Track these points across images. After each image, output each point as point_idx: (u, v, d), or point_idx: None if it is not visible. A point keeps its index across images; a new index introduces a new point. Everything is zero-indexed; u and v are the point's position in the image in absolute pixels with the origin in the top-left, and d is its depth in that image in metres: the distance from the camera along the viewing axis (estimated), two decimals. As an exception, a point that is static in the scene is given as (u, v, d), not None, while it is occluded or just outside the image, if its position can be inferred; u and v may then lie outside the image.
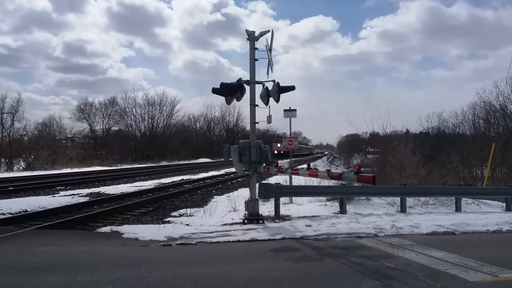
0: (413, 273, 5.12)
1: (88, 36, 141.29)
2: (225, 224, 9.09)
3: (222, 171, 30.43)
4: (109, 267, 5.31)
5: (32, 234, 7.82)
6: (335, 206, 12.15)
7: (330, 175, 6.98)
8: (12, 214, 10.29)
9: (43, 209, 10.87)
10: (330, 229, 8.07)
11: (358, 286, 4.64)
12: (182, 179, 22.61)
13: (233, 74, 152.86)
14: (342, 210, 11.12)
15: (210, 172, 29.55)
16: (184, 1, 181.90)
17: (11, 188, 16.18)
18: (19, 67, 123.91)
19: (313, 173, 7.82)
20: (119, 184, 19.94)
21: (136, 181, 21.62)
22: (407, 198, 12.17)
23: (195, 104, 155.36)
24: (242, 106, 71.01)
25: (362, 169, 10.02)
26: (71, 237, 7.84)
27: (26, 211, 10.75)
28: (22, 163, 36.80)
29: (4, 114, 40.25)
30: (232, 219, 9.92)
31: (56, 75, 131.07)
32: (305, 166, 8.84)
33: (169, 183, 20.05)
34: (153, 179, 23.50)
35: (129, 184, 19.67)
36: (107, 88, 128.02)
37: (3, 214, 10.29)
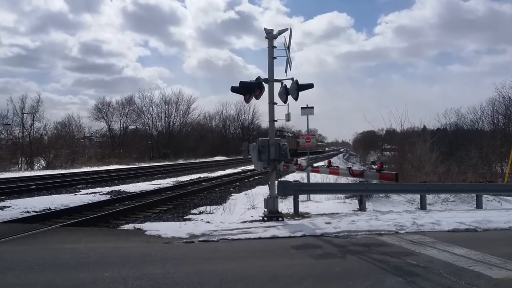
0: (436, 270, 5.12)
1: (104, 36, 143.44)
2: (245, 222, 9.16)
3: (238, 169, 30.55)
4: (135, 264, 5.43)
5: (58, 232, 8.02)
6: (354, 203, 12.12)
7: (351, 173, 7.00)
8: (36, 212, 10.56)
9: (66, 207, 11.13)
10: (350, 226, 8.08)
11: (381, 283, 4.67)
12: (200, 177, 22.80)
13: (248, 72, 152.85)
14: (361, 208, 11.09)
15: (226, 170, 29.72)
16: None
17: (34, 186, 16.56)
18: (37, 68, 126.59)
19: (334, 170, 7.85)
20: (138, 182, 20.22)
21: (155, 179, 21.88)
22: (426, 195, 12.08)
23: (210, 102, 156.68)
24: (257, 104, 71.34)
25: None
26: (95, 234, 8.03)
27: (50, 209, 11.01)
28: (43, 162, 37.55)
29: (25, 114, 41.13)
30: (252, 216, 9.99)
31: (73, 75, 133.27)
32: (322, 163, 8.88)
33: (187, 181, 20.25)
34: (171, 177, 23.75)
35: (147, 182, 19.93)
36: (123, 87, 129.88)
37: (28, 212, 10.57)
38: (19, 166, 35.94)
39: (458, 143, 33.17)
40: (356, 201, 11.91)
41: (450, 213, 10.13)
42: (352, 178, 11.98)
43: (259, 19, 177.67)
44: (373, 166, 11.73)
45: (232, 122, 79.77)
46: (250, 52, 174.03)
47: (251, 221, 9.23)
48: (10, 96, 55.72)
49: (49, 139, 42.22)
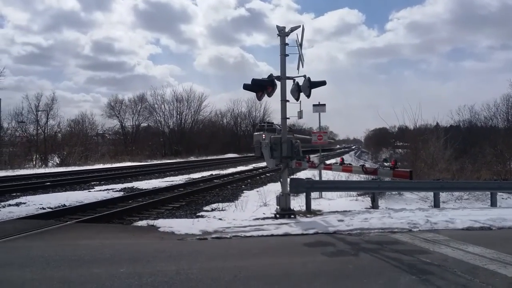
0: (450, 268, 5.09)
1: (115, 34, 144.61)
2: (257, 219, 9.19)
3: (250, 166, 30.62)
4: (149, 260, 5.49)
5: (73, 228, 8.14)
6: (366, 201, 12.07)
7: (365, 171, 6.97)
8: (52, 208, 10.71)
9: (80, 203, 11.27)
10: (363, 224, 8.06)
11: (395, 281, 4.65)
12: (212, 174, 22.90)
13: (258, 69, 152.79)
14: (374, 205, 11.04)
15: (238, 167, 29.80)
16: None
17: (49, 183, 16.80)
18: (50, 66, 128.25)
19: (347, 168, 7.82)
20: (151, 179, 20.37)
21: (167, 176, 22.03)
22: (440, 193, 11.97)
23: (221, 99, 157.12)
24: (268, 101, 71.21)
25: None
26: (110, 230, 8.13)
27: (64, 205, 11.18)
28: (57, 159, 38.06)
29: (39, 112, 41.70)
30: (264, 213, 10.03)
31: (85, 73, 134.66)
32: (334, 161, 8.86)
33: (199, 178, 20.37)
34: (183, 174, 23.90)
35: (160, 179, 20.07)
36: (135, 85, 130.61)
37: (43, 208, 10.73)
38: (34, 163, 36.49)
39: (472, 141, 32.75)
40: (369, 199, 11.87)
41: (464, 211, 10.03)
42: (364, 175, 11.95)
43: (270, 16, 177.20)
44: (386, 164, 11.67)
45: (243, 120, 79.98)
46: (260, 49, 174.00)
47: (263, 218, 9.27)
48: (26, 94, 56.53)
49: (63, 137, 42.78)
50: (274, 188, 15.03)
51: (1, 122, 38.58)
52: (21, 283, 4.51)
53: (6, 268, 5.14)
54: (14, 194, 13.76)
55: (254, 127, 76.68)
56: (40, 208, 10.67)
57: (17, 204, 11.28)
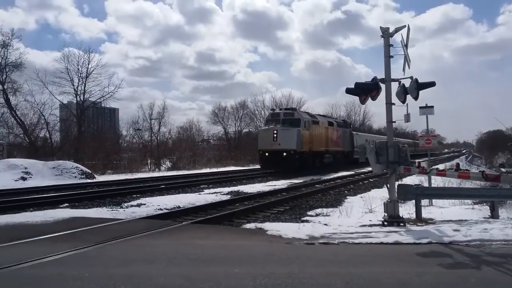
0: None
1: (216, 45, 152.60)
2: (364, 226, 9.00)
3: (351, 171, 29.96)
4: (260, 262, 5.71)
5: (188, 228, 8.75)
6: (484, 210, 11.10)
7: (485, 177, 6.46)
8: (168, 209, 11.62)
9: (192, 205, 12.07)
10: (483, 234, 7.45)
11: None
12: (313, 179, 22.86)
13: (356, 72, 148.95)
14: (494, 215, 10.12)
15: (339, 172, 29.30)
16: (304, 2, 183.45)
17: (163, 186, 18.23)
18: (159, 77, 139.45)
19: (463, 174, 7.31)
20: (254, 183, 20.99)
21: (269, 181, 22.49)
22: None
23: (318, 104, 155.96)
24: (368, 104, 68.77)
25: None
26: (221, 231, 8.58)
27: (179, 207, 12.05)
28: (168, 163, 41.15)
29: (152, 120, 45.56)
30: (370, 220, 9.78)
31: (190, 83, 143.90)
32: (442, 166, 8.32)
33: (300, 183, 20.47)
34: (284, 179, 24.20)
35: (263, 184, 20.59)
36: (235, 93, 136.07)
37: (161, 209, 11.67)
38: (149, 167, 39.85)
39: None
40: (486, 208, 10.90)
41: None
42: (480, 182, 11.01)
43: (367, 17, 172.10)
44: (502, 170, 10.65)
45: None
46: (358, 51, 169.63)
47: (370, 225, 9.05)
48: (140, 104, 62.18)
49: (173, 143, 46.13)
50: (378, 194, 14.57)
51: (121, 130, 42.96)
52: (148, 277, 4.98)
53: (134, 264, 5.71)
54: (135, 195, 15.18)
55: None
56: (158, 209, 11.63)
57: (138, 205, 12.44)
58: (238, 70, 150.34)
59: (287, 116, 27.56)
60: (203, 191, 16.96)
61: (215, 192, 16.07)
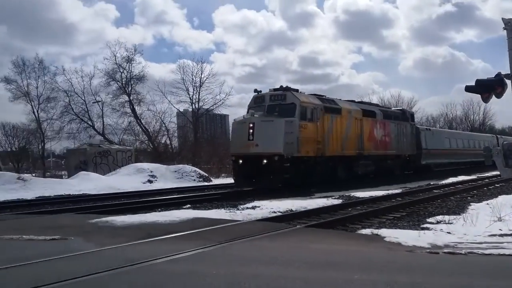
0: None
1: (319, 48, 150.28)
2: (493, 235, 8.24)
3: (473, 176, 27.71)
4: (381, 269, 5.55)
5: (302, 231, 8.84)
6: None
7: None
8: (281, 212, 11.90)
9: (305, 209, 12.17)
10: None
11: None
12: (429, 184, 21.64)
13: (472, 67, 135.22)
14: None
15: (459, 177, 27.15)
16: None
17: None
18: (265, 83, 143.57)
19: None
20: (364, 187, 20.39)
21: (380, 185, 21.66)
22: None
23: (430, 103, 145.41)
24: (489, 102, 62.62)
25: None
26: (335, 236, 8.53)
27: (291, 210, 12.24)
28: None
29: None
30: (500, 229, 8.90)
31: (295, 87, 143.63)
32: None
33: (415, 187, 19.52)
34: (397, 183, 23.15)
35: (375, 188, 19.99)
36: (340, 95, 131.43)
37: (274, 212, 12.00)
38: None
39: None
40: None
41: None
42: None
43: (482, 8, 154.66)
44: None
45: (459, 124, 72.84)
46: (473, 45, 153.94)
47: (501, 235, 8.25)
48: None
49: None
50: (507, 201, 13.19)
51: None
52: (269, 278, 5.14)
53: (255, 264, 5.94)
54: (249, 198, 15.84)
55: (473, 131, 64.17)
56: (272, 212, 11.97)
57: (253, 208, 12.94)
58: (342, 72, 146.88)
59: (275, 101, 18.15)
60: (314, 195, 17.00)
61: (326, 196, 15.98)
